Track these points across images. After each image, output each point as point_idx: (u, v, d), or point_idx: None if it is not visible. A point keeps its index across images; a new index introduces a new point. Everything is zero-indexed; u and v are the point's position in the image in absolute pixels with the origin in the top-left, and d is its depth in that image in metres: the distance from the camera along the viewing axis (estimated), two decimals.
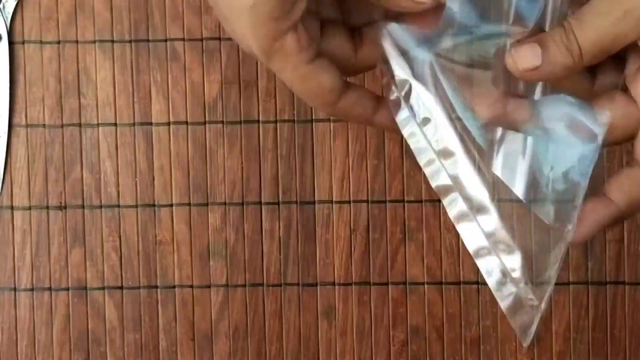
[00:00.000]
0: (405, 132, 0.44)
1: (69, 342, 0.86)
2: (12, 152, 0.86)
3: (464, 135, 0.44)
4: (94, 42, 0.86)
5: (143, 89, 0.86)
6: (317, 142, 0.86)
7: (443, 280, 0.85)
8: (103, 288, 0.86)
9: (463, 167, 0.44)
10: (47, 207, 0.86)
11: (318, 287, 0.85)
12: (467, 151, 0.44)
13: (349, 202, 0.86)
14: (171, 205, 0.86)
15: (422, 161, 0.44)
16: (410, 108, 0.44)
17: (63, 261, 0.86)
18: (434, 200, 0.85)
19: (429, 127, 0.44)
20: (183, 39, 0.86)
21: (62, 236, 0.86)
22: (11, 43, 0.86)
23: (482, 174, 0.44)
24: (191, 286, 0.86)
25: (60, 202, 0.86)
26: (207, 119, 0.86)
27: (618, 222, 0.43)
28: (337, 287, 0.85)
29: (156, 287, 0.86)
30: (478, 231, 0.44)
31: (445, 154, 0.44)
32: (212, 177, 0.86)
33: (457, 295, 0.85)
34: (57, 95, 0.86)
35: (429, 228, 0.85)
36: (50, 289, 0.86)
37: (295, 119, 0.85)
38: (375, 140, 0.85)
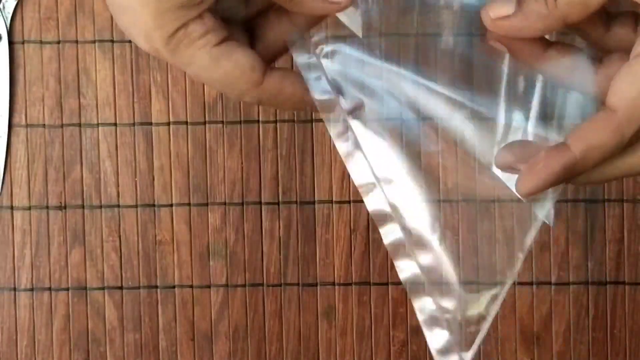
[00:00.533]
0: (333, 133, 0.41)
1: (68, 342, 0.86)
2: (12, 152, 0.86)
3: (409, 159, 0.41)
4: (94, 42, 0.86)
5: (143, 89, 0.86)
6: (317, 142, 0.86)
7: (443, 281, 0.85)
8: (103, 288, 0.86)
9: (405, 195, 0.41)
10: (47, 207, 0.86)
11: (318, 287, 0.85)
12: (413, 178, 0.41)
13: (349, 202, 0.86)
14: (171, 205, 0.86)
15: (356, 179, 0.41)
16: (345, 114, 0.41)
17: (63, 261, 0.86)
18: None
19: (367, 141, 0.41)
20: None
21: (62, 236, 0.86)
22: (11, 43, 0.86)
23: (426, 202, 0.41)
24: (191, 286, 0.86)
25: (60, 202, 0.86)
26: (207, 119, 0.86)
27: (571, 172, 0.39)
28: (337, 287, 0.85)
29: (156, 287, 0.86)
30: (414, 266, 0.41)
31: (385, 180, 0.41)
32: (212, 177, 0.86)
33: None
34: (57, 95, 0.86)
35: None
36: (50, 289, 0.86)
37: (295, 119, 0.85)
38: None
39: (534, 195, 0.39)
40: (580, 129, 0.38)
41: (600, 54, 0.41)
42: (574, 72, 0.41)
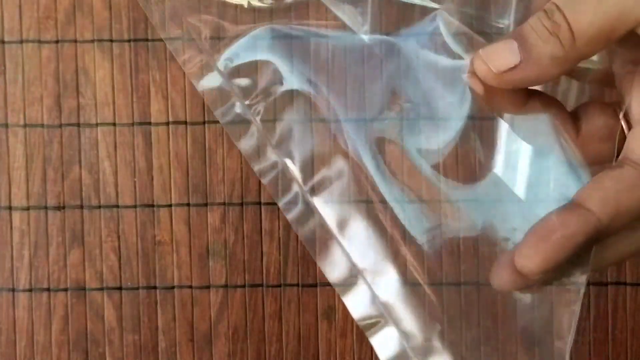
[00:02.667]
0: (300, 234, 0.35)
1: (67, 343, 0.86)
2: (10, 152, 0.86)
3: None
4: (93, 41, 0.86)
5: (142, 89, 0.86)
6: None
7: (443, 281, 0.84)
8: (102, 289, 0.86)
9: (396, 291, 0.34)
10: (46, 208, 0.86)
11: (318, 288, 0.85)
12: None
13: (348, 202, 0.85)
14: (170, 205, 0.85)
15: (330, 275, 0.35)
16: None
17: (62, 262, 0.86)
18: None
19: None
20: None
21: (60, 236, 0.86)
22: (9, 42, 0.86)
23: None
24: (190, 287, 0.85)
25: (59, 203, 0.86)
26: (206, 118, 0.86)
27: (599, 238, 0.31)
28: (337, 287, 0.85)
29: (155, 287, 0.86)
30: None
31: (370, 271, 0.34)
32: (211, 177, 0.86)
33: (457, 296, 0.84)
34: (55, 94, 0.86)
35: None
36: (48, 289, 0.86)
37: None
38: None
39: (544, 275, 0.31)
40: (603, 189, 0.31)
41: (578, 111, 0.35)
42: (553, 132, 0.34)
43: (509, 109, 0.34)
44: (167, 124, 0.86)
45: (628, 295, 0.84)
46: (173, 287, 0.86)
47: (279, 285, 0.85)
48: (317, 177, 0.36)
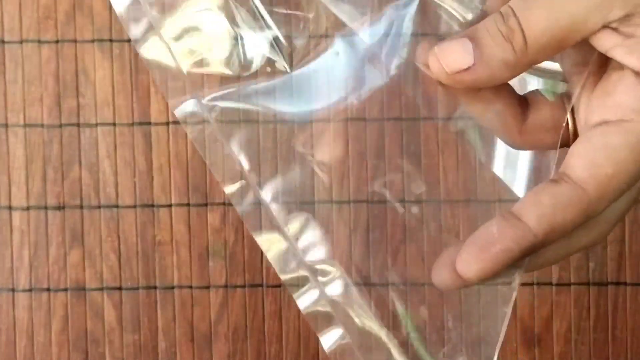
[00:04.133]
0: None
1: (67, 342, 0.86)
2: (10, 152, 0.86)
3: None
4: (93, 41, 0.86)
5: (142, 89, 0.86)
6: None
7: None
8: (102, 289, 0.86)
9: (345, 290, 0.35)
10: (46, 208, 0.86)
11: None
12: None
13: (349, 202, 0.85)
14: (170, 205, 0.85)
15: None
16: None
17: (61, 262, 0.86)
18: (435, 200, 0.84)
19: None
20: None
21: (60, 236, 0.86)
22: (9, 42, 0.86)
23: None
24: (190, 287, 0.85)
25: (59, 203, 0.86)
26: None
27: (528, 254, 0.32)
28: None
29: (155, 287, 0.85)
30: None
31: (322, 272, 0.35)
32: (211, 177, 0.86)
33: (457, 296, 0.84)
34: (55, 95, 0.86)
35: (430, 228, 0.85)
36: (48, 289, 0.86)
37: None
38: (375, 140, 0.85)
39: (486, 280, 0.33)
40: (540, 205, 0.32)
41: (525, 100, 0.35)
42: (503, 120, 0.35)
43: (463, 97, 0.34)
44: (167, 124, 0.86)
45: (628, 295, 0.84)
46: (173, 287, 0.86)
47: (279, 285, 0.85)
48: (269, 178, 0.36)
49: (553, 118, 0.35)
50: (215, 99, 0.37)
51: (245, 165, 0.36)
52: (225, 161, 0.37)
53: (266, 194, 0.36)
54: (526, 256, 0.32)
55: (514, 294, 0.34)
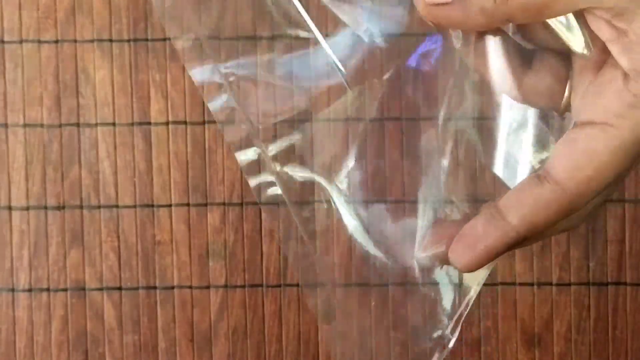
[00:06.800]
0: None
1: (67, 343, 0.86)
2: (10, 152, 0.86)
3: None
4: (93, 41, 0.86)
5: (142, 89, 0.86)
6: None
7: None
8: (102, 289, 0.86)
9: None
10: (45, 208, 0.86)
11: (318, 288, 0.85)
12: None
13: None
14: (170, 205, 0.85)
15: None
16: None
17: (61, 262, 0.86)
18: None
19: None
20: None
21: (60, 237, 0.86)
22: (9, 42, 0.86)
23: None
24: (190, 287, 0.85)
25: (59, 203, 0.86)
26: (206, 118, 0.86)
27: (511, 249, 0.35)
28: None
29: (155, 287, 0.85)
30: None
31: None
32: (211, 177, 0.85)
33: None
34: (55, 94, 0.86)
35: None
36: (48, 289, 0.86)
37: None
38: (375, 140, 0.85)
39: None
40: (522, 205, 0.34)
41: (531, 55, 0.36)
42: (500, 70, 0.36)
43: (460, 42, 0.35)
44: (167, 124, 0.86)
45: (628, 295, 0.84)
46: (173, 287, 0.86)
47: (279, 286, 0.85)
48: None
49: (550, 88, 0.36)
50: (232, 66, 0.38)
51: None
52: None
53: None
54: (510, 250, 0.35)
55: (480, 284, 0.38)
